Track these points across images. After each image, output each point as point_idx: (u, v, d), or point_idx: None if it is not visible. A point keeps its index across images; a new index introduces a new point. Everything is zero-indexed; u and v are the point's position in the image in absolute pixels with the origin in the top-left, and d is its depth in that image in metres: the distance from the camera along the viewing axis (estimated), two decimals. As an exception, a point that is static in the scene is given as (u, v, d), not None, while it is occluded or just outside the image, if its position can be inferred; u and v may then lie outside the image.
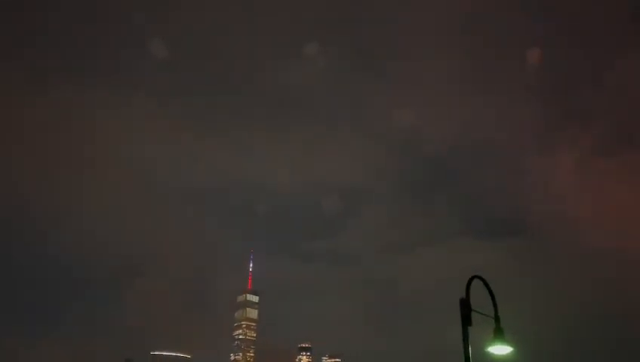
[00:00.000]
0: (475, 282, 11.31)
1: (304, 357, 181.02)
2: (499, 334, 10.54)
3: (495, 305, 10.98)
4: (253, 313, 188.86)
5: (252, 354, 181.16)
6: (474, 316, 10.77)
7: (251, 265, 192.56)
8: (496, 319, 10.79)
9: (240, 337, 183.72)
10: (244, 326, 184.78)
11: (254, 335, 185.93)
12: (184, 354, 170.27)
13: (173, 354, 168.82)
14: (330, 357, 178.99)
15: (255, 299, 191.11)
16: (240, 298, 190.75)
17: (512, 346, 10.40)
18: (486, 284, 11.40)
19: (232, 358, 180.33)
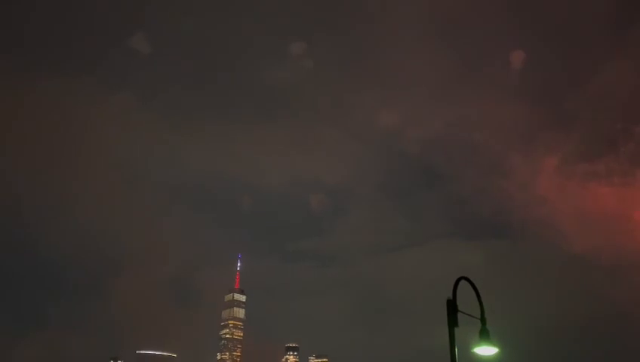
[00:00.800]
0: (463, 283, 11.32)
1: (291, 356, 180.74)
2: (484, 335, 10.56)
3: (481, 306, 10.99)
4: (240, 312, 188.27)
5: (239, 354, 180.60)
6: (461, 317, 10.78)
7: (239, 264, 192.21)
8: (482, 320, 10.79)
9: (227, 336, 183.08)
10: (231, 325, 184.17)
11: (241, 334, 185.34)
12: (170, 353, 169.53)
13: (159, 353, 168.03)
14: (317, 356, 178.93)
15: (242, 298, 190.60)
16: (227, 297, 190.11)
17: (497, 347, 10.43)
18: (472, 285, 11.40)
19: (219, 357, 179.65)
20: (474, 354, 10.50)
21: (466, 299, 10.80)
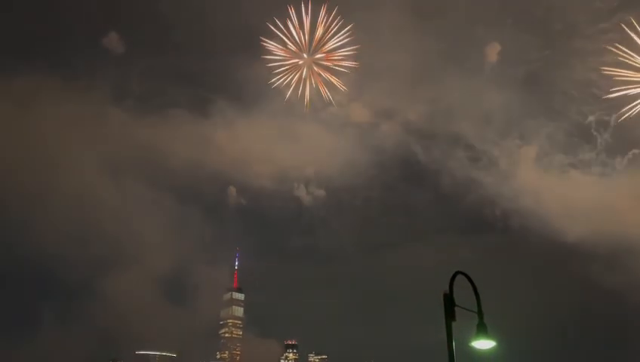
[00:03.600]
0: (459, 279, 11.27)
1: (290, 354, 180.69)
2: (482, 329, 10.56)
3: (478, 301, 10.97)
4: (239, 311, 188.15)
5: (238, 352, 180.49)
6: (458, 312, 10.74)
7: (237, 263, 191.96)
8: (480, 314, 10.79)
9: (226, 335, 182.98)
10: (230, 324, 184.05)
11: (240, 333, 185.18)
12: (170, 353, 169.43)
13: (159, 353, 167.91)
14: (317, 354, 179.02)
15: (241, 296, 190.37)
16: (226, 296, 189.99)
17: (494, 340, 10.42)
18: (469, 280, 11.37)
19: (219, 356, 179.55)
20: (471, 347, 10.47)
21: (461, 293, 10.76)
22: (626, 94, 52.04)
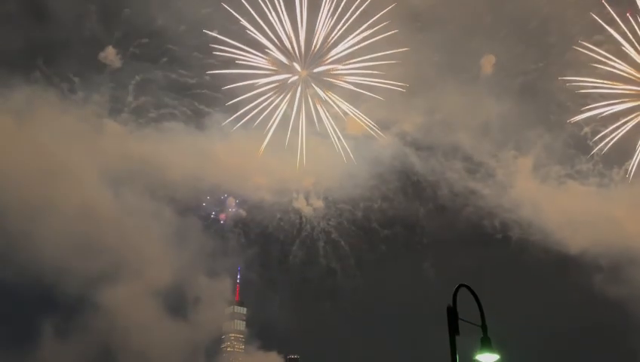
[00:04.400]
0: (462, 292, 11.21)
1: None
2: (486, 343, 10.52)
3: (482, 314, 10.93)
4: (240, 325, 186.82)
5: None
6: (462, 325, 10.70)
7: (239, 276, 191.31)
8: (484, 328, 10.72)
9: (228, 349, 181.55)
10: (232, 338, 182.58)
11: (242, 347, 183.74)
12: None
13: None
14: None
15: (243, 310, 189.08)
16: (227, 310, 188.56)
17: (498, 354, 10.39)
18: (472, 293, 11.29)
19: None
20: (475, 361, 10.44)
21: (463, 306, 10.73)
22: (621, 108, 52.48)
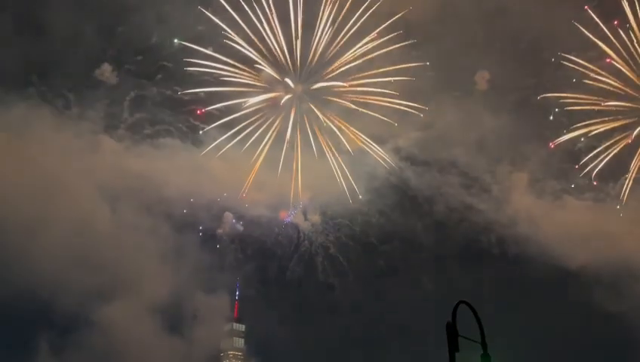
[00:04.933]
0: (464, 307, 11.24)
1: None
2: (486, 360, 10.55)
3: (482, 330, 10.96)
4: (239, 342, 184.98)
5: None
6: (462, 341, 10.73)
7: (237, 293, 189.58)
8: (483, 344, 10.72)
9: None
10: (230, 355, 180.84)
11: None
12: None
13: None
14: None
15: (241, 327, 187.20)
16: (226, 327, 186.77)
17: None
18: (472, 309, 11.24)
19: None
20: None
21: (462, 323, 10.78)
22: (614, 125, 52.93)
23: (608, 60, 50.96)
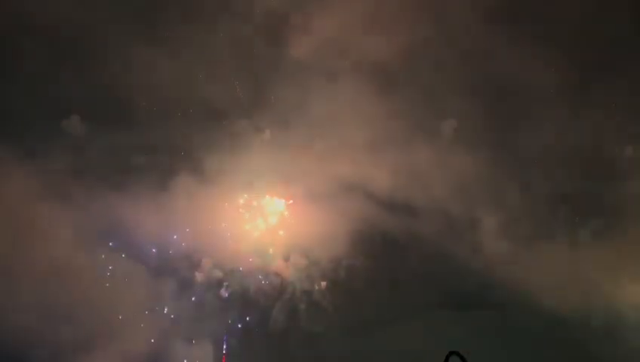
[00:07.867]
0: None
1: None
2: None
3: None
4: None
5: None
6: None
7: (225, 346, 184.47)
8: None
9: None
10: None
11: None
12: None
13: None
14: None
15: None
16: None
17: None
18: (463, 360, 11.13)
19: None
20: None
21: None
22: None
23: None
